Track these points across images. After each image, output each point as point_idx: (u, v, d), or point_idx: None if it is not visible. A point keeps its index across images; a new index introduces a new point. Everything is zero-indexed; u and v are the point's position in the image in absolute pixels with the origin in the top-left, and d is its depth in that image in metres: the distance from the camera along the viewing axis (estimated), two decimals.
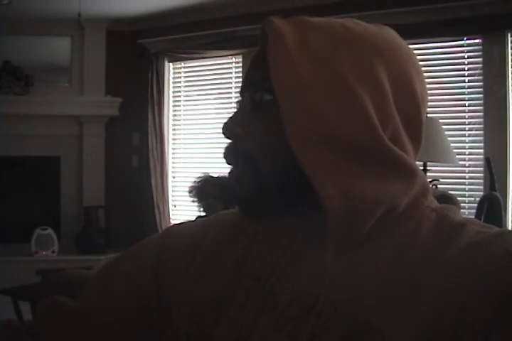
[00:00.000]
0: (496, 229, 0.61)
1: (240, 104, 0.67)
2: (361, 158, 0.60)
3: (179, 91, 4.92)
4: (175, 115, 4.92)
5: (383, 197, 0.60)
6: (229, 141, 0.67)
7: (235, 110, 0.67)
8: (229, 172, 0.66)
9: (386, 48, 0.63)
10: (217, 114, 4.64)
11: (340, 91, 0.59)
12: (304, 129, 0.58)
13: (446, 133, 3.15)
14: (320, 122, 0.59)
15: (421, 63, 0.67)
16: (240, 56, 4.47)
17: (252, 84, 0.65)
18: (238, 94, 0.68)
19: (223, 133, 0.66)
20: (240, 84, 0.68)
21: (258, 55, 0.65)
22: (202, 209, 2.78)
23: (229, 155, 0.66)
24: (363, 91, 0.60)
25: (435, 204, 0.66)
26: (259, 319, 0.62)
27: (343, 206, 0.58)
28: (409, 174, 0.62)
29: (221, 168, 0.67)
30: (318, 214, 0.61)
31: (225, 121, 0.67)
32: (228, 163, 0.66)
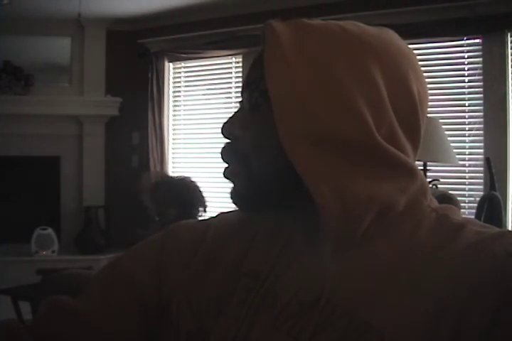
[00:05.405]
0: (496, 229, 0.61)
1: (240, 104, 0.68)
2: (353, 157, 0.60)
3: (179, 91, 4.91)
4: (175, 115, 4.91)
5: (376, 196, 0.60)
6: (228, 140, 0.67)
7: (235, 110, 0.68)
8: (224, 170, 0.67)
9: (383, 49, 0.63)
10: (217, 114, 4.63)
11: (333, 91, 0.59)
12: (295, 129, 0.59)
13: (446, 133, 3.15)
14: (311, 122, 0.59)
15: (420, 63, 0.67)
16: (240, 56, 4.46)
17: (249, 85, 0.66)
18: (239, 95, 0.69)
19: (222, 133, 0.67)
20: (240, 84, 0.69)
21: (258, 57, 0.66)
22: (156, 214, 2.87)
23: (225, 154, 0.67)
24: (357, 91, 0.60)
25: (435, 203, 0.65)
26: (259, 316, 0.63)
27: (336, 203, 0.58)
28: (406, 173, 0.62)
29: (220, 168, 0.68)
30: (316, 213, 0.61)
31: (224, 121, 0.67)
32: (225, 162, 0.67)
